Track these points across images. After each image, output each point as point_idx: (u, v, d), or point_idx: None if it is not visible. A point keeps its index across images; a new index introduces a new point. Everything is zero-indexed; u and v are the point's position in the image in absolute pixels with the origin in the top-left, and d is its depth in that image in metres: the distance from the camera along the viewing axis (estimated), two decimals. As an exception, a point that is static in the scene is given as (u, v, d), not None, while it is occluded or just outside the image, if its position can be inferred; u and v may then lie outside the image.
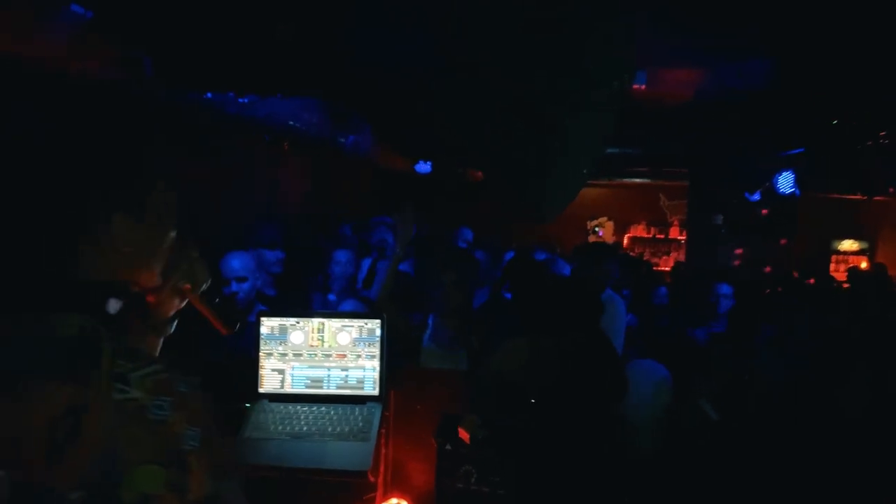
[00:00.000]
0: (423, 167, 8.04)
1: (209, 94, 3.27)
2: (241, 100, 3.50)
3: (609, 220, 13.03)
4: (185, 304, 1.28)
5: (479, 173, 8.87)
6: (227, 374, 2.35)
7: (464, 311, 3.27)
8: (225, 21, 2.73)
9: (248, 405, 2.22)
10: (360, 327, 2.27)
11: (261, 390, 2.25)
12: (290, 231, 6.66)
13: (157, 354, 1.31)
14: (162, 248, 1.07)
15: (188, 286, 1.15)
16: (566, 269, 4.75)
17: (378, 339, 2.27)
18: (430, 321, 3.33)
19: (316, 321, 2.27)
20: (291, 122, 5.14)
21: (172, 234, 1.09)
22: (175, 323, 1.32)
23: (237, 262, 3.55)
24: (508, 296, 4.05)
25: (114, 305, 0.97)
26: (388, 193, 8.81)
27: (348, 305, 3.59)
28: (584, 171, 2.93)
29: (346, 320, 2.28)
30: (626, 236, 12.98)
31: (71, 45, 2.74)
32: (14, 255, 0.93)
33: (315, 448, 2.08)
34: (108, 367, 0.86)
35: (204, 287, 1.21)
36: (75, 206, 0.95)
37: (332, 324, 2.27)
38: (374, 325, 2.27)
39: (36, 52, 2.70)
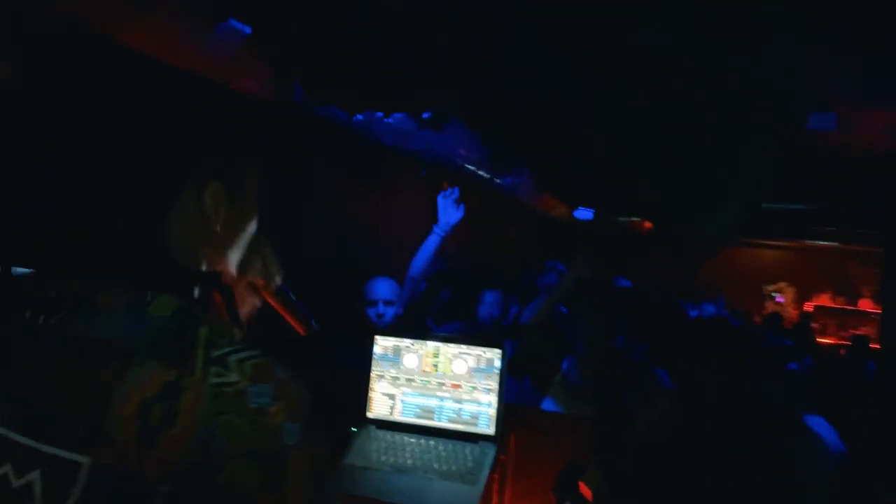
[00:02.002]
0: (584, 213, 7.75)
1: (359, 117, 3.27)
2: (386, 121, 3.47)
3: (790, 285, 11.94)
4: (260, 304, 1.20)
5: (643, 223, 8.45)
6: (335, 395, 2.23)
7: (605, 359, 2.98)
8: (377, 43, 2.69)
9: (354, 429, 2.08)
10: (479, 356, 2.07)
11: (369, 415, 2.10)
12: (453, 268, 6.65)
13: None
14: (244, 235, 0.98)
15: (261, 281, 1.06)
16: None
17: (497, 371, 2.05)
18: (564, 364, 3.07)
19: (431, 345, 2.10)
20: (449, 158, 5.11)
21: (255, 221, 0.99)
22: (248, 324, 1.23)
23: (386, 286, 3.53)
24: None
25: (197, 291, 0.90)
26: (547, 239, 8.60)
27: (454, 327, 3.44)
28: (753, 200, 2.58)
29: (464, 347, 2.08)
30: (809, 305, 11.79)
31: (229, 61, 2.83)
32: (109, 219, 0.87)
33: (418, 485, 1.89)
34: (205, 349, 0.77)
35: (276, 284, 1.12)
36: (173, 166, 0.88)
37: (448, 349, 2.09)
38: (494, 354, 2.06)
39: (193, 65, 2.81)
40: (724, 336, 2.67)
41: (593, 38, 2.94)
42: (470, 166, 5.39)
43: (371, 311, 3.37)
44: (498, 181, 6.16)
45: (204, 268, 0.91)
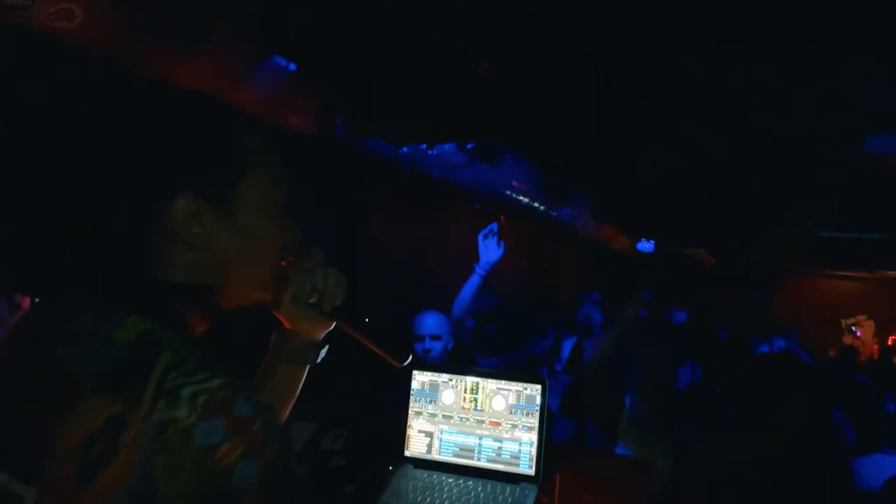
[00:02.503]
0: (646, 246, 7.55)
1: (405, 149, 3.26)
2: (430, 153, 3.45)
3: (868, 318, 11.32)
4: (332, 327, 1.16)
5: (707, 255, 8.18)
6: (377, 431, 2.18)
7: (665, 391, 2.85)
8: (420, 76, 2.68)
9: (390, 468, 2.01)
10: (519, 392, 1.98)
11: (407, 453, 2.03)
12: (505, 303, 6.56)
13: (298, 387, 1.17)
14: (263, 256, 0.94)
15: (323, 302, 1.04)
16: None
17: (537, 408, 1.96)
18: (627, 399, 2.95)
19: (470, 380, 2.02)
20: (502, 190, 5.06)
21: (279, 241, 0.96)
22: (324, 351, 1.19)
23: (433, 321, 3.48)
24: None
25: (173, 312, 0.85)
26: (608, 272, 8.41)
27: (494, 362, 3.37)
28: (809, 224, 2.44)
29: (503, 382, 2.00)
30: (892, 338, 11.15)
31: (274, 97, 2.86)
32: (83, 237, 0.86)
33: (454, 527, 1.81)
34: (158, 380, 0.72)
35: (338, 302, 1.07)
36: (150, 184, 0.85)
37: (488, 385, 2.01)
38: (535, 390, 1.97)
39: (240, 103, 2.84)
40: (791, 372, 2.51)
41: (654, 69, 2.87)
42: (524, 198, 5.32)
43: (418, 346, 3.32)
44: (554, 213, 6.06)
45: (198, 287, 0.87)
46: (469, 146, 3.44)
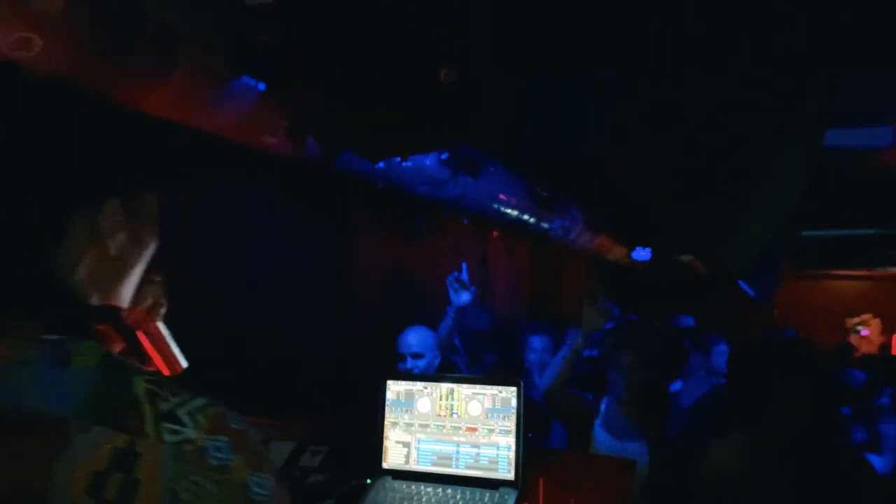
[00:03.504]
0: (641, 254, 7.51)
1: (381, 165, 3.26)
2: (405, 165, 3.45)
3: (874, 317, 11.23)
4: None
5: (696, 261, 8.14)
6: (355, 445, 2.15)
7: (647, 398, 2.80)
8: (387, 86, 2.68)
9: (368, 481, 1.98)
10: (494, 396, 1.96)
11: (385, 465, 2.00)
12: (498, 319, 6.53)
13: None
14: (141, 263, 0.90)
15: (144, 314, 1.00)
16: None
17: (513, 410, 1.93)
18: (602, 405, 2.90)
19: (444, 387, 2.00)
20: (488, 204, 5.04)
21: (152, 248, 0.91)
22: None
23: (414, 338, 3.46)
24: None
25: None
26: (606, 284, 8.37)
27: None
28: (776, 224, 2.41)
29: (478, 387, 1.98)
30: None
31: (246, 119, 2.87)
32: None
33: (433, 536, 1.77)
34: (150, 405, 0.68)
35: (160, 316, 1.05)
36: (63, 190, 0.80)
37: (463, 390, 1.98)
38: (510, 393, 1.94)
39: (211, 126, 2.85)
40: (798, 356, 2.44)
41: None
42: (511, 211, 5.31)
43: (401, 365, 3.30)
44: (545, 225, 6.05)
45: (97, 300, 0.82)
46: (444, 156, 3.43)
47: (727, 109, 2.39)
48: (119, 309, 0.85)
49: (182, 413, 0.69)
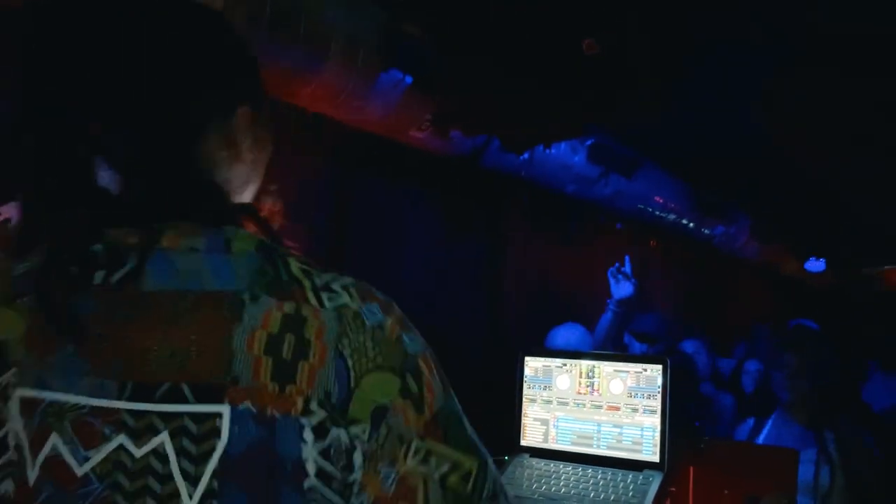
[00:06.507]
0: (816, 265, 6.90)
1: (525, 156, 3.23)
2: (547, 152, 3.38)
3: None
4: None
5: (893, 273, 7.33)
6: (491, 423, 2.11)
7: (814, 401, 2.57)
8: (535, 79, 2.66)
9: (506, 458, 1.93)
10: (638, 374, 1.85)
11: (523, 443, 1.95)
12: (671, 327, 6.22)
13: None
14: (262, 167, 0.94)
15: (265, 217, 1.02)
16: None
17: (658, 389, 1.81)
18: (769, 420, 2.69)
19: (585, 364, 1.91)
20: (644, 206, 4.86)
21: (269, 152, 0.95)
22: None
23: (564, 337, 3.39)
24: None
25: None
26: (778, 298, 7.78)
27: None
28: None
29: (621, 364, 1.87)
30: None
31: (391, 112, 2.95)
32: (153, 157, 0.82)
33: (571, 513, 1.70)
34: (307, 279, 0.76)
35: (276, 223, 1.07)
36: (200, 94, 0.84)
37: (604, 368, 1.89)
38: (655, 371, 1.82)
39: (362, 120, 2.96)
40: None
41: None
42: (668, 215, 5.08)
43: None
44: (707, 231, 5.73)
45: (234, 197, 0.87)
46: (588, 143, 3.33)
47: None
48: (257, 206, 0.89)
49: (335, 286, 0.76)
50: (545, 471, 1.85)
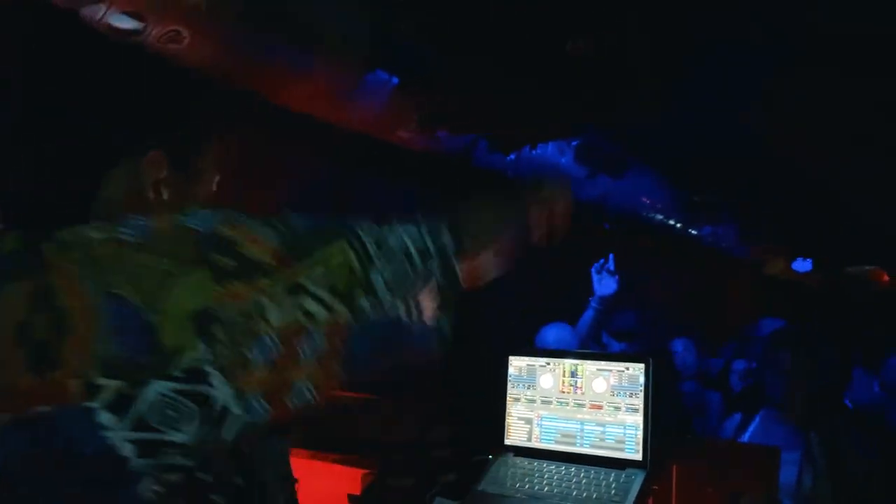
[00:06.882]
0: (802, 265, 6.93)
1: (512, 157, 3.24)
2: (534, 153, 3.40)
3: None
4: None
5: (881, 273, 7.38)
6: (477, 423, 2.13)
7: (804, 402, 2.58)
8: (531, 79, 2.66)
9: (490, 457, 1.94)
10: (620, 373, 1.86)
11: (507, 441, 1.96)
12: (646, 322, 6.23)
13: None
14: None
15: None
16: None
17: (641, 388, 1.83)
18: (756, 417, 2.70)
19: (568, 363, 1.93)
20: (631, 207, 4.87)
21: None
22: None
23: (552, 336, 3.41)
24: None
25: None
26: (769, 299, 7.81)
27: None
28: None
29: (603, 363, 1.89)
30: None
31: (380, 113, 2.95)
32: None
33: (553, 512, 1.71)
34: None
35: None
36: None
37: (587, 367, 1.90)
38: (637, 370, 1.84)
39: (349, 120, 2.96)
40: None
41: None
42: (657, 216, 5.10)
43: None
44: (693, 232, 5.75)
45: None
46: (574, 143, 3.35)
47: None
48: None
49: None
50: (529, 469, 1.86)
